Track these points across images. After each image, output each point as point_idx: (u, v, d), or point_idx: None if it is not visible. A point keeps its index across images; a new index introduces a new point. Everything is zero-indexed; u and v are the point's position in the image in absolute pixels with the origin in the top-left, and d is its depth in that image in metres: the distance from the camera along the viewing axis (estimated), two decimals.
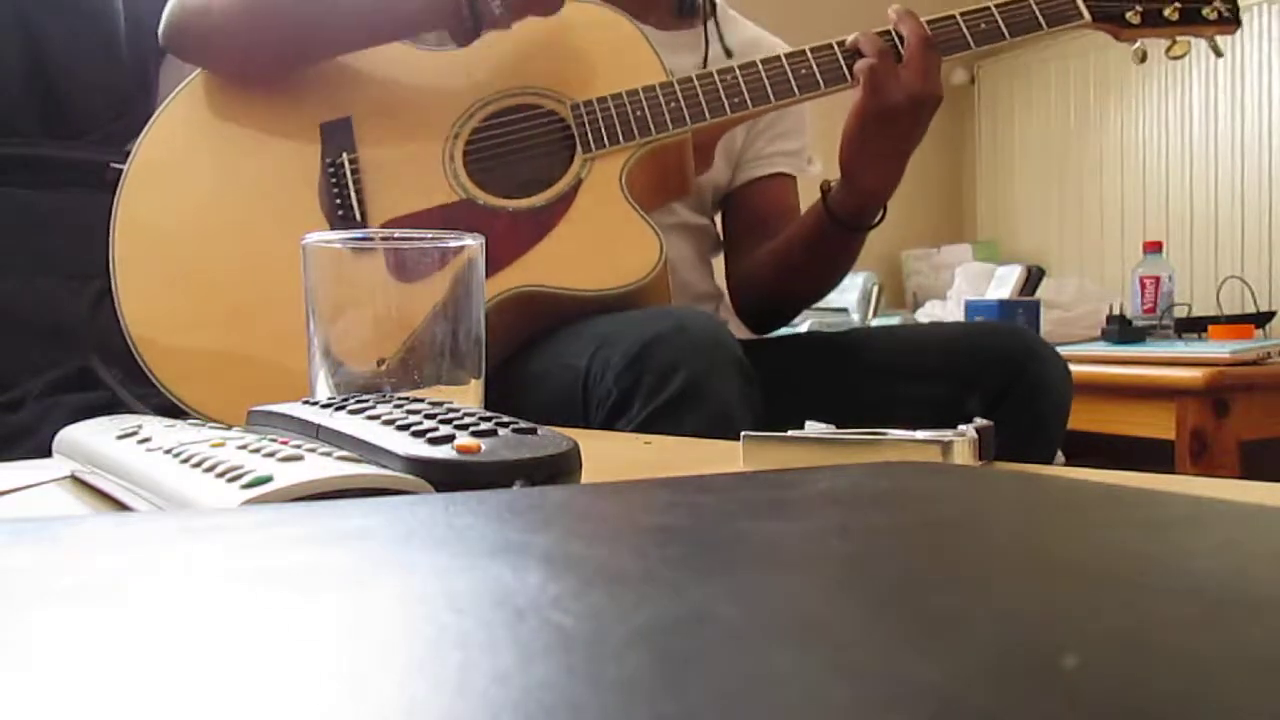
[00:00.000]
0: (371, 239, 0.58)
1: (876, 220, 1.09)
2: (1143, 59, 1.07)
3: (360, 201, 1.02)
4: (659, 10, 1.18)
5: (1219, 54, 1.06)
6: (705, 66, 1.14)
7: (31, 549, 0.24)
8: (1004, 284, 2.33)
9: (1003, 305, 2.16)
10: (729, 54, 1.16)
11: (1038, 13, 1.04)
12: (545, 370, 0.97)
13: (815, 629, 0.17)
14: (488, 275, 0.97)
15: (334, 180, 1.03)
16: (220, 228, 1.02)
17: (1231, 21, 1.05)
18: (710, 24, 1.19)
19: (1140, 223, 2.64)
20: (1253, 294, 2.28)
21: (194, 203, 1.03)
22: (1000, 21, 1.04)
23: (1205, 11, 1.05)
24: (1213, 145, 2.49)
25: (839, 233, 1.09)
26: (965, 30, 1.04)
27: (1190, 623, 0.18)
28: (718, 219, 1.25)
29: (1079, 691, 0.14)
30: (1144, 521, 0.28)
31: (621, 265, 0.99)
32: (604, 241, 1.01)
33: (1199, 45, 1.08)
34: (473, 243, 0.57)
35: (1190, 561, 0.23)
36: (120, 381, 0.98)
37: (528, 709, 0.13)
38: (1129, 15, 1.05)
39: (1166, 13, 1.05)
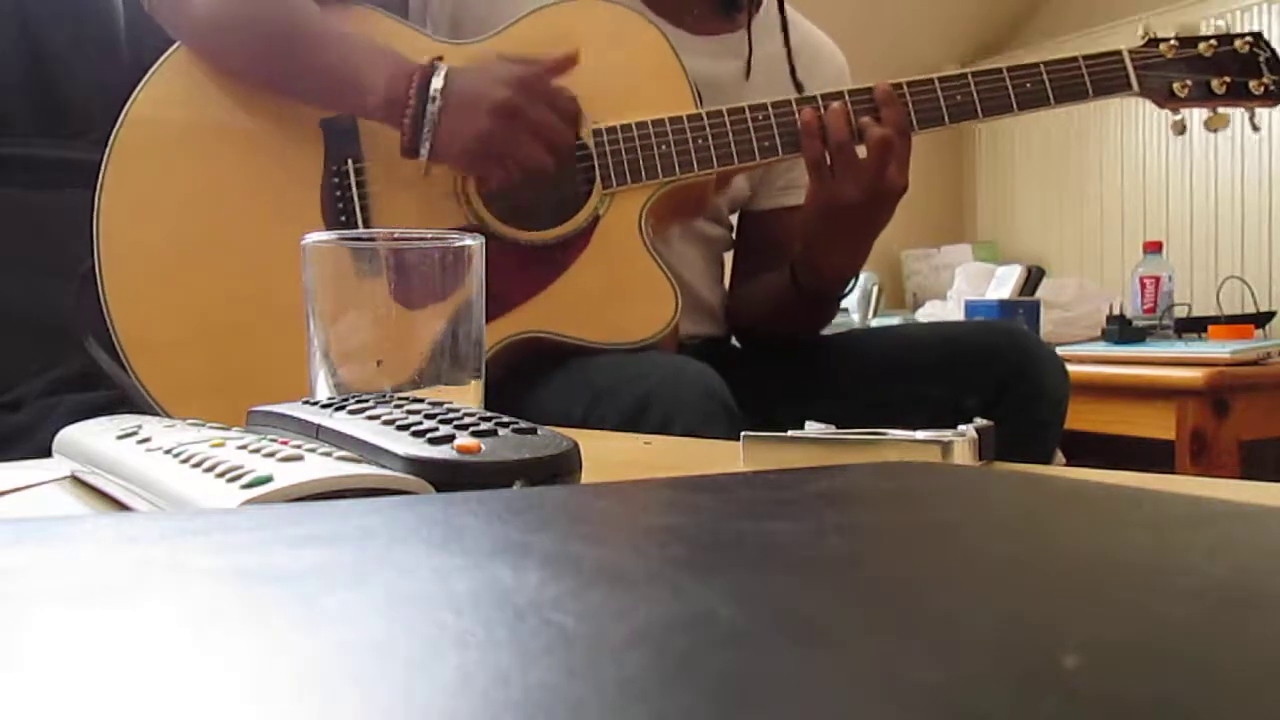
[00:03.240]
0: (372, 239, 0.58)
1: (845, 292, 1.08)
2: (1181, 131, 1.05)
3: (365, 220, 0.98)
4: (700, 9, 1.11)
5: (1256, 129, 1.04)
6: (748, 73, 1.10)
7: (31, 549, 0.24)
8: (1004, 284, 2.33)
9: (1003, 305, 2.16)
10: (748, 71, 1.10)
11: (1087, 80, 1.01)
12: (540, 417, 0.95)
13: (815, 629, 0.17)
14: (497, 315, 0.94)
15: (338, 190, 0.98)
16: (213, 229, 0.97)
17: (1276, 96, 1.03)
18: (755, 25, 1.12)
19: (1140, 223, 2.64)
20: (1253, 294, 2.28)
21: (184, 194, 0.98)
22: (1048, 84, 1.00)
23: (1253, 86, 1.02)
24: (1213, 145, 2.49)
25: (805, 301, 1.08)
26: (1011, 89, 1.00)
27: (1190, 623, 0.18)
28: (733, 219, 1.22)
29: (1079, 691, 0.14)
30: (1144, 521, 0.28)
31: (635, 319, 0.96)
32: (618, 290, 0.98)
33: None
34: (473, 243, 0.57)
35: (1190, 561, 0.23)
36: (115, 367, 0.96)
37: (528, 709, 0.13)
38: (1176, 88, 1.02)
39: (1214, 86, 1.02)
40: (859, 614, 0.18)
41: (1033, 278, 2.33)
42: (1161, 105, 1.04)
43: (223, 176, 0.99)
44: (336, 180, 0.98)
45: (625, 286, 0.98)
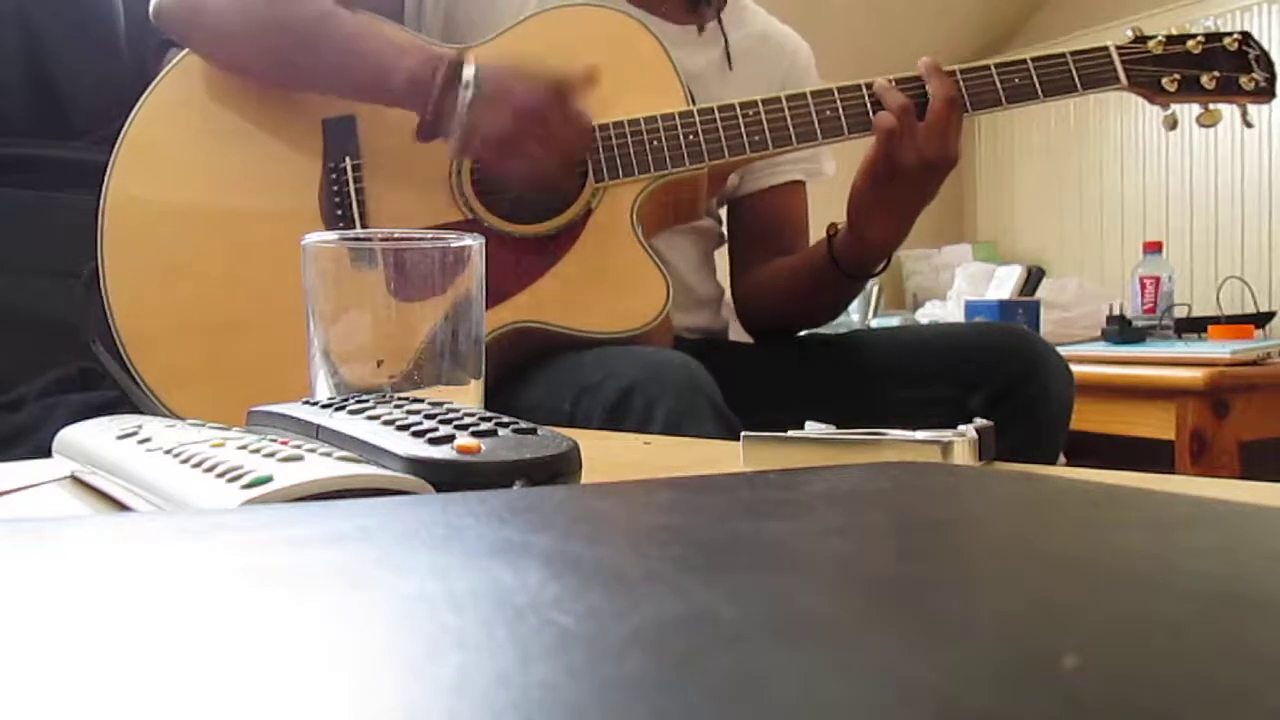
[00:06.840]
0: (372, 239, 0.58)
1: (880, 269, 1.08)
2: (1173, 125, 1.04)
3: (362, 215, 1.00)
4: (670, 2, 1.14)
5: (1249, 125, 1.03)
6: (730, 63, 1.12)
7: (31, 549, 0.24)
8: (1004, 284, 2.33)
9: (1003, 305, 2.16)
10: (729, 61, 1.13)
11: (1075, 74, 1.01)
12: (530, 410, 0.96)
13: (815, 629, 0.17)
14: (490, 305, 0.96)
15: (335, 187, 1.00)
16: (213, 224, 1.00)
17: (1267, 93, 1.02)
18: (723, 17, 1.15)
19: (1140, 223, 2.64)
20: (1253, 294, 2.28)
21: (187, 193, 1.01)
22: (1035, 79, 1.01)
23: (1243, 81, 1.02)
24: (1213, 145, 2.49)
25: (841, 277, 1.08)
26: (999, 84, 1.01)
27: (1190, 622, 0.18)
28: (723, 213, 1.23)
29: (1079, 691, 0.14)
30: (1144, 521, 0.28)
31: (626, 309, 0.97)
32: (610, 281, 0.99)
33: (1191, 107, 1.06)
34: (473, 243, 0.57)
35: (1190, 561, 0.23)
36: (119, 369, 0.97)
37: (528, 709, 0.13)
38: (1165, 82, 1.02)
39: (1204, 81, 1.02)
40: (859, 614, 0.18)
41: (1033, 278, 2.33)
42: (1152, 100, 1.04)
43: (225, 176, 1.02)
44: (334, 178, 1.01)
45: (617, 277, 0.99)
